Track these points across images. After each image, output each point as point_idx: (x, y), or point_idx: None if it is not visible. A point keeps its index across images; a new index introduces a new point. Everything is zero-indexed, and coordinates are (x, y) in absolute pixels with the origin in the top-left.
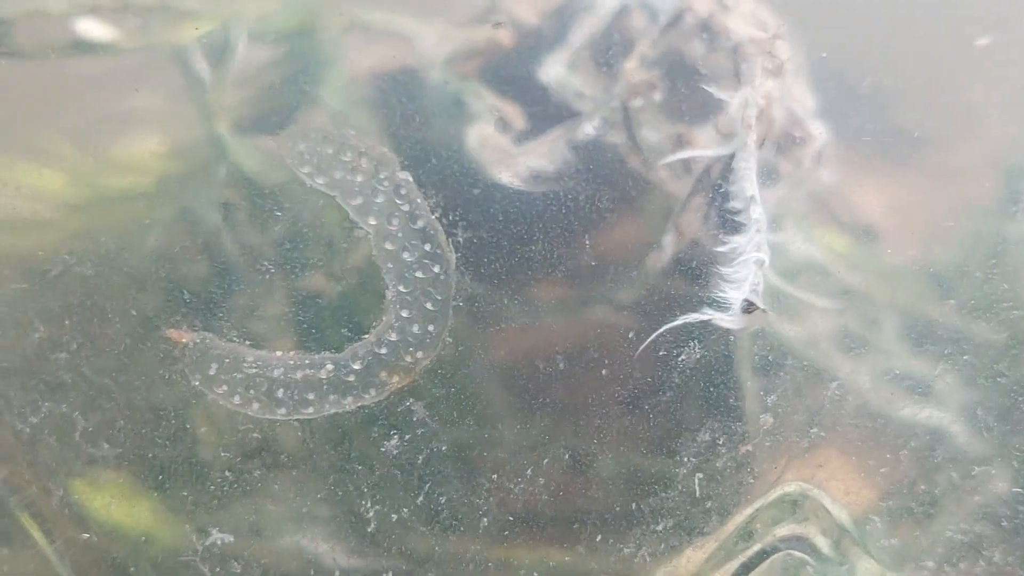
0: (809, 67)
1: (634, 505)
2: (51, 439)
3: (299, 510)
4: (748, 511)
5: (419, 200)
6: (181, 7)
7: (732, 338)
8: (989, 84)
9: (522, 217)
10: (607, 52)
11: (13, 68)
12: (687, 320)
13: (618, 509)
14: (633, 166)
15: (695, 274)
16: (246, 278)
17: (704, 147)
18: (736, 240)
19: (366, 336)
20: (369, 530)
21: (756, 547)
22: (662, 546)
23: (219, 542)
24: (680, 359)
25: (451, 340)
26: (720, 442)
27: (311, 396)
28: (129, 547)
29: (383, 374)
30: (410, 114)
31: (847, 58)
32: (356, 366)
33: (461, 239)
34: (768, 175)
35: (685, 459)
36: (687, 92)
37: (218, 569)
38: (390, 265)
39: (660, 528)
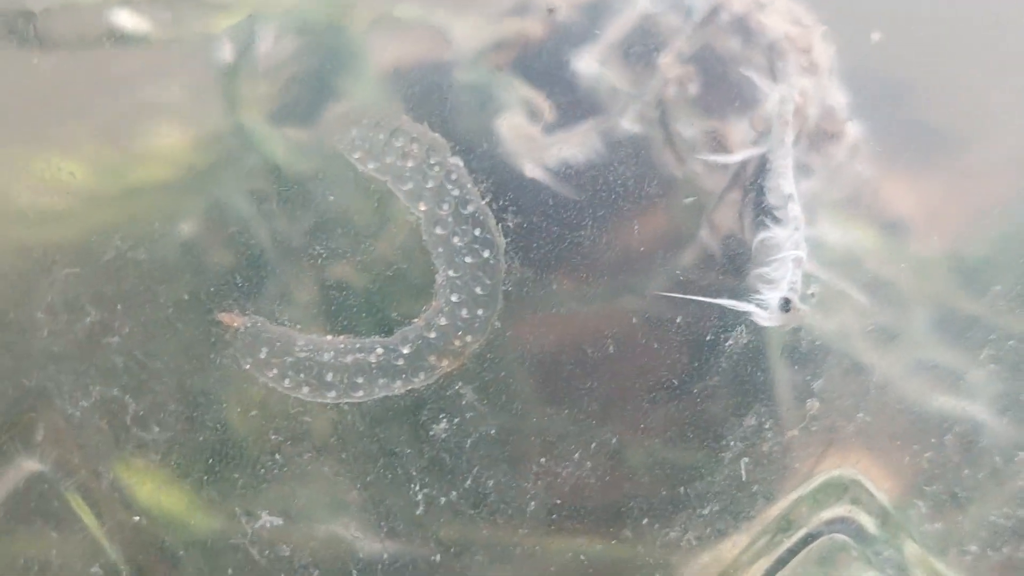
0: (841, 63)
1: (681, 489)
2: (102, 423)
3: (348, 493)
4: (794, 495)
5: (469, 185)
6: (212, 0)
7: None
8: (1016, 83)
9: (571, 202)
10: (641, 47)
11: (42, 61)
12: (728, 304)
13: (664, 493)
14: (667, 160)
15: (730, 269)
16: (276, 266)
17: (738, 142)
18: (774, 237)
19: (416, 320)
20: (417, 513)
21: (802, 531)
22: (708, 530)
23: (268, 525)
24: (727, 344)
25: (500, 324)
26: (767, 427)
27: (361, 380)
28: (179, 530)
29: (432, 358)
30: (440, 105)
31: (878, 55)
32: (405, 350)
33: (511, 224)
34: (801, 170)
35: (731, 443)
36: (721, 88)
37: (267, 552)
38: (440, 250)
39: (706, 512)
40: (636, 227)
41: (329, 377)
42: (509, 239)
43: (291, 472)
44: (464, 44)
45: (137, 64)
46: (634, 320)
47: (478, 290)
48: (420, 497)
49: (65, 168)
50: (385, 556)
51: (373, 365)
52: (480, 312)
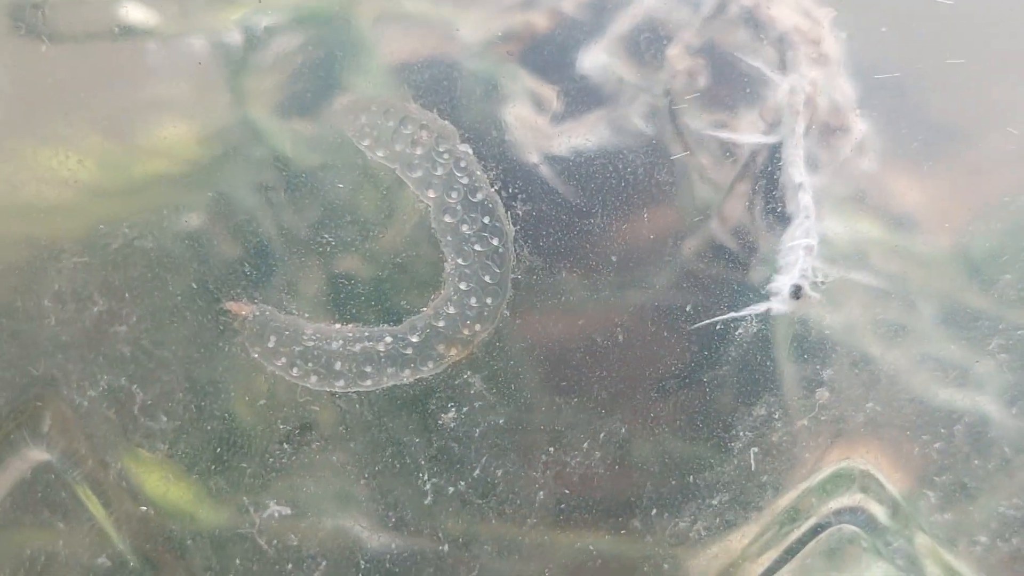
0: (849, 57)
1: (690, 479)
2: (109, 412)
3: (356, 482)
4: (803, 485)
5: (479, 172)
6: None
7: (788, 313)
8: (1022, 77)
9: (581, 190)
10: (649, 40)
11: (50, 52)
12: (745, 313)
13: (673, 483)
14: (675, 152)
15: (739, 259)
16: (284, 256)
17: (746, 135)
18: (786, 231)
19: (424, 309)
20: (426, 503)
21: (811, 521)
22: (717, 520)
23: (276, 515)
24: (737, 333)
25: (509, 313)
26: (776, 416)
27: (369, 369)
28: (186, 520)
29: (441, 347)
30: (447, 95)
31: (885, 50)
32: (414, 339)
33: (520, 212)
34: (809, 163)
35: (741, 433)
36: (730, 80)
37: (275, 542)
38: (449, 238)
39: (715, 502)
40: (646, 216)
41: (337, 366)
42: (518, 227)
43: (299, 462)
44: (471, 36)
45: (144, 57)
46: (643, 309)
47: (487, 278)
48: (428, 487)
49: (72, 160)
50: (393, 546)
51: (382, 354)
52: (489, 301)
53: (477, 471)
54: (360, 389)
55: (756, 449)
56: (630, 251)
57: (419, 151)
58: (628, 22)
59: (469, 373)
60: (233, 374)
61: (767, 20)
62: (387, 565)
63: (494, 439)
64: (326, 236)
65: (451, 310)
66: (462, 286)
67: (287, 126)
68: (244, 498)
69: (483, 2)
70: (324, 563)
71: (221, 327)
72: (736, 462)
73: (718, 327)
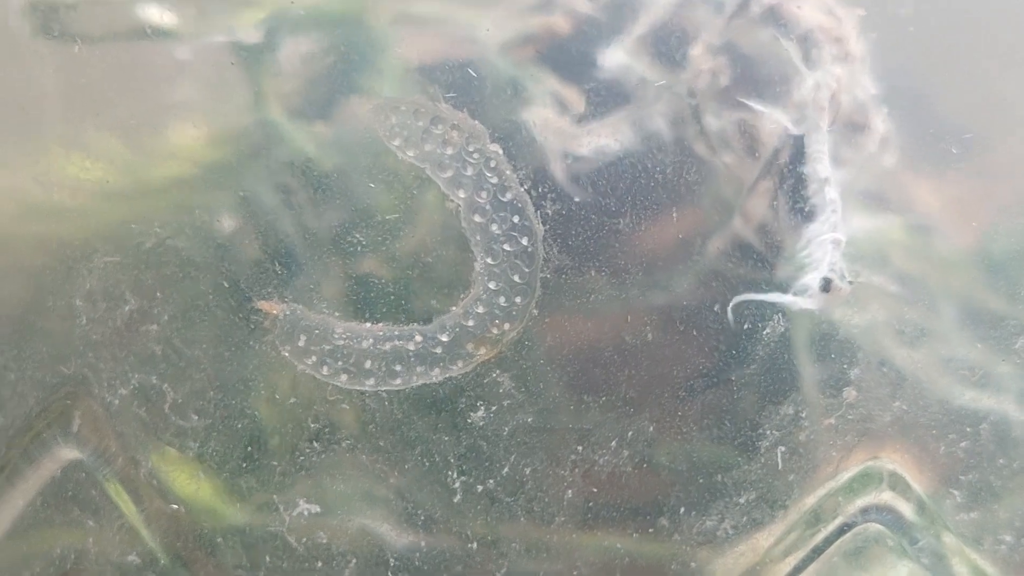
0: (872, 56)
1: (718, 478)
2: (140, 410)
3: (386, 480)
4: (830, 484)
5: (508, 172)
6: None
7: (815, 312)
8: None
9: (610, 190)
10: (670, 39)
11: (72, 55)
12: (766, 298)
13: (701, 481)
14: (698, 151)
15: (760, 257)
16: (313, 256)
17: (769, 133)
18: (811, 226)
19: (453, 308)
20: (455, 501)
21: (837, 520)
22: (744, 519)
23: (306, 512)
24: (765, 332)
25: (538, 312)
26: (803, 415)
27: (399, 368)
28: (216, 518)
29: (470, 346)
30: (468, 98)
31: (910, 51)
32: (444, 338)
33: (549, 211)
34: (832, 160)
35: (768, 432)
36: (752, 79)
37: (304, 539)
38: (478, 237)
39: (743, 501)
40: (674, 215)
41: (367, 365)
42: (547, 226)
43: (328, 460)
44: (490, 38)
45: (165, 59)
46: (671, 308)
47: (516, 278)
48: (457, 485)
49: (97, 162)
50: (422, 544)
51: (411, 353)
52: (518, 300)
53: (506, 469)
54: (390, 388)
55: (783, 448)
56: (658, 250)
57: (449, 151)
58: (650, 22)
59: (498, 372)
60: (263, 373)
61: (791, 18)
62: (416, 563)
63: (523, 438)
64: (352, 237)
65: (480, 309)
66: (491, 285)
67: (307, 128)
68: (274, 496)
69: (502, 4)
70: (353, 561)
71: (252, 326)
72: (763, 461)
73: (745, 326)
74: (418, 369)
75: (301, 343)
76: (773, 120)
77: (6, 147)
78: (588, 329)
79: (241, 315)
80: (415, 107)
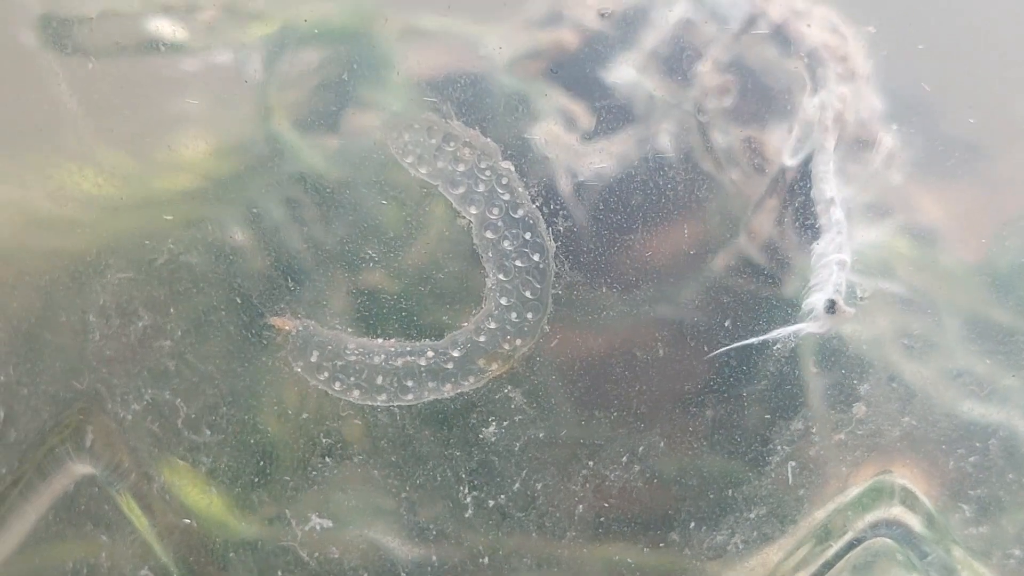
0: (878, 73)
1: (729, 492)
2: (153, 426)
3: (398, 495)
4: (840, 499)
5: (520, 189)
6: (246, 8)
7: (821, 333)
8: None
9: (621, 206)
10: (679, 56)
11: (81, 70)
12: (777, 335)
13: (712, 496)
14: (706, 168)
15: (768, 274)
16: (326, 272)
17: (776, 149)
18: (816, 247)
19: (465, 324)
20: (467, 516)
21: (848, 535)
22: (755, 534)
23: (318, 527)
24: (775, 348)
25: (549, 328)
26: (813, 431)
27: (411, 383)
28: (228, 532)
29: (482, 361)
30: (476, 114)
31: (912, 68)
32: (455, 353)
33: (561, 228)
34: (838, 177)
35: (778, 447)
36: (759, 96)
37: (317, 554)
38: (490, 254)
39: (753, 516)
40: (685, 231)
41: (379, 380)
42: (559, 243)
43: (341, 475)
44: (497, 54)
45: (171, 72)
46: (683, 324)
47: (528, 294)
48: (469, 500)
49: (104, 176)
50: (434, 559)
51: (423, 368)
52: (530, 316)
53: (517, 484)
54: (402, 403)
55: (793, 463)
56: (669, 266)
57: (461, 168)
58: (658, 38)
59: (510, 387)
60: (276, 388)
61: (796, 36)
62: None
63: (534, 453)
64: (362, 252)
65: (492, 325)
66: (503, 301)
67: (315, 141)
68: (286, 510)
69: (510, 19)
70: (365, 575)
71: (264, 341)
72: (773, 476)
73: (756, 342)
74: (430, 385)
75: (313, 359)
76: (780, 139)
77: (18, 161)
78: (599, 345)
79: (253, 331)
80: (428, 124)
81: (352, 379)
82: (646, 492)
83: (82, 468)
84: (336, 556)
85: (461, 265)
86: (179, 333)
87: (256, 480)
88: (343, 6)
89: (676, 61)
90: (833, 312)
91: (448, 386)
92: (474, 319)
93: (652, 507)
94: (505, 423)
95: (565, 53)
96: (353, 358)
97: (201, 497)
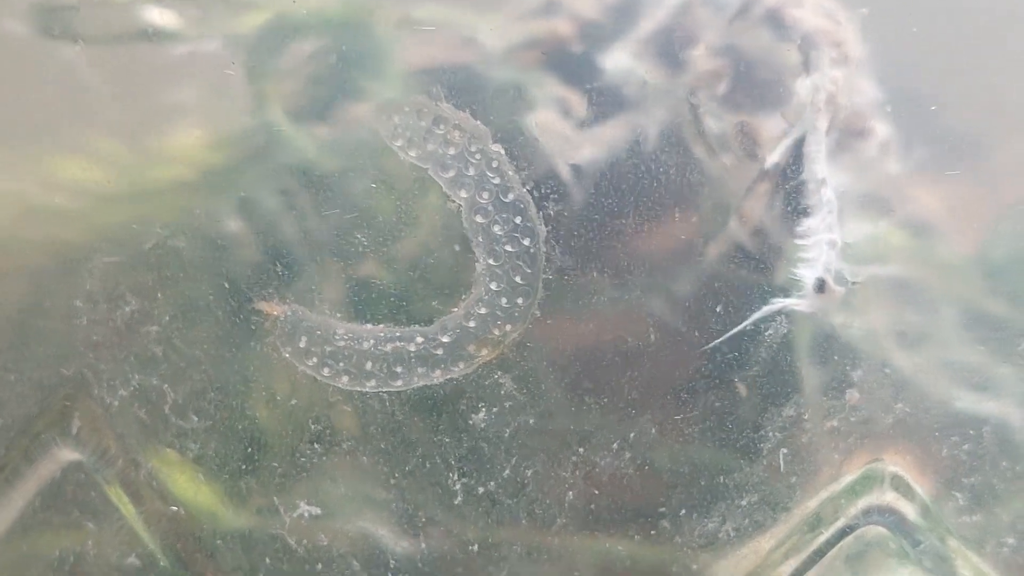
0: (871, 60)
1: (720, 479)
2: (140, 412)
3: (386, 482)
4: (832, 487)
5: (511, 173)
6: None
7: (816, 314)
8: None
9: (612, 191)
10: (672, 42)
11: (73, 57)
12: (765, 312)
13: (703, 484)
14: (698, 153)
15: (759, 259)
16: (309, 261)
17: (767, 135)
18: (807, 222)
19: (455, 309)
20: (456, 502)
21: (839, 522)
22: (746, 521)
23: (306, 514)
24: (767, 334)
25: (540, 313)
26: (805, 417)
27: (400, 369)
28: (216, 520)
29: (472, 347)
30: (469, 101)
31: (906, 56)
32: (445, 339)
33: (552, 212)
34: (830, 164)
35: (770, 434)
36: (753, 81)
37: (305, 541)
38: (480, 238)
39: (744, 503)
40: (677, 216)
41: (368, 366)
42: (550, 227)
43: (329, 461)
44: (493, 41)
45: (165, 61)
46: (674, 310)
47: (518, 279)
48: (458, 487)
49: (95, 164)
50: (423, 546)
51: (412, 354)
52: (520, 301)
53: (507, 471)
54: (391, 389)
55: (785, 450)
56: (660, 251)
57: (451, 151)
58: (651, 24)
59: (499, 373)
60: (264, 374)
61: (791, 21)
62: (417, 564)
63: (524, 439)
64: (352, 239)
65: (482, 310)
66: (493, 286)
67: (308, 130)
68: (274, 498)
69: (504, 8)
70: (354, 563)
71: (252, 327)
72: (765, 463)
73: (748, 328)
74: (419, 370)
75: (302, 344)
76: (773, 124)
77: (11, 151)
78: (590, 330)
79: (242, 316)
80: (418, 107)
81: (341, 365)
82: (637, 479)
83: (68, 455)
84: (325, 543)
85: (454, 252)
86: (167, 318)
87: (244, 467)
88: None
89: (670, 47)
90: (822, 291)
91: (438, 372)
92: (464, 304)
93: (643, 494)
94: (495, 409)
95: (560, 42)
96: (342, 343)
97: (189, 484)
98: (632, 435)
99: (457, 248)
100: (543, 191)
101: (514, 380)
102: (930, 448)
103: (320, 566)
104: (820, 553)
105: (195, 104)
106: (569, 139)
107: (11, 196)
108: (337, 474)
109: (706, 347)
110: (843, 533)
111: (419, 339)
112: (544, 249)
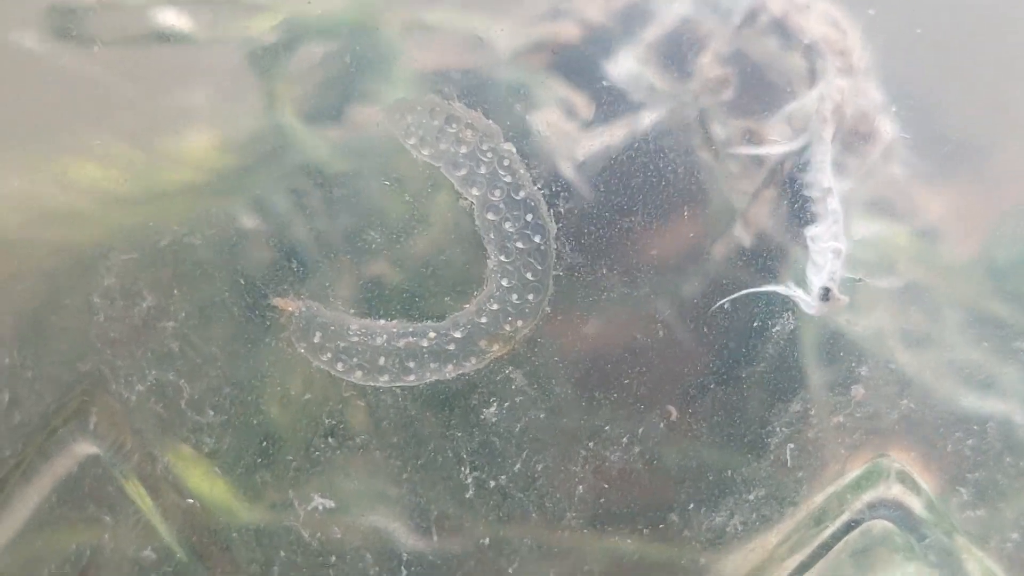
0: (878, 66)
1: (728, 474)
2: (157, 407)
3: (399, 476)
4: (839, 481)
5: (522, 171)
6: (251, 1)
7: (815, 317)
8: None
9: (622, 188)
10: (679, 48)
11: (85, 60)
12: (772, 289)
13: (711, 478)
14: (703, 159)
15: (763, 262)
16: (322, 260)
17: (773, 142)
18: (813, 230)
19: (467, 305)
20: (467, 496)
21: (845, 516)
22: (753, 515)
23: (320, 508)
24: (775, 331)
25: (550, 310)
26: (812, 413)
27: (412, 364)
28: (231, 513)
29: (483, 343)
30: (477, 104)
31: (910, 57)
32: (457, 334)
33: (562, 209)
34: (836, 169)
35: (777, 429)
36: (758, 89)
37: (319, 534)
38: (491, 235)
39: (752, 498)
40: (686, 214)
41: (382, 361)
42: (560, 225)
43: (343, 456)
44: (501, 45)
45: (177, 63)
46: (683, 306)
47: (529, 275)
48: (470, 481)
49: (115, 166)
50: (435, 539)
51: (425, 350)
52: (531, 297)
53: (518, 465)
54: (403, 384)
55: (792, 445)
56: (670, 248)
57: (463, 149)
58: (659, 30)
59: (511, 369)
60: (278, 369)
61: (796, 29)
62: (429, 558)
63: (535, 434)
64: (365, 237)
65: (493, 306)
66: (504, 283)
67: (320, 132)
68: (289, 491)
69: (512, 12)
70: (367, 556)
71: (268, 322)
72: (772, 458)
73: (755, 324)
74: (431, 366)
75: (316, 340)
76: (778, 131)
77: (26, 153)
78: (600, 326)
79: (257, 312)
80: (430, 106)
81: (355, 360)
82: (646, 474)
83: (85, 449)
84: (338, 536)
85: (465, 250)
86: (183, 314)
87: (259, 461)
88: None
89: (677, 53)
90: (827, 300)
91: (450, 367)
92: (476, 300)
93: (652, 489)
94: (506, 404)
95: (567, 46)
96: (356, 339)
97: (204, 478)
98: (641, 430)
99: (468, 246)
100: (554, 189)
101: (525, 375)
102: (935, 444)
103: (334, 558)
104: (826, 547)
105: (208, 106)
106: (578, 139)
107: (27, 197)
108: (351, 468)
109: (719, 304)
110: (849, 528)
111: (431, 335)
112: (555, 246)
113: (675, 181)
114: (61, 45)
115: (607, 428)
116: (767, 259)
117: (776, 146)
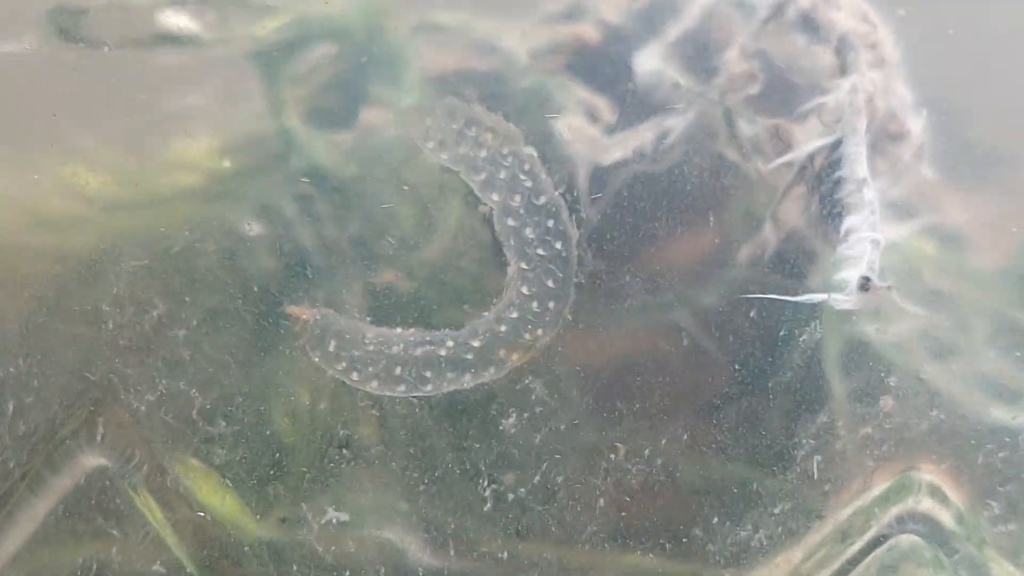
0: (908, 68)
1: (753, 486)
2: (167, 417)
3: (416, 488)
4: (867, 494)
5: (543, 176)
6: (258, 1)
7: (854, 318)
8: None
9: (646, 194)
10: (703, 45)
11: (89, 61)
12: (805, 299)
13: (735, 491)
14: (730, 159)
15: (793, 263)
16: (329, 268)
17: (801, 139)
18: (849, 220)
19: (486, 313)
20: (486, 508)
21: (873, 530)
22: (779, 529)
23: (335, 520)
24: (802, 339)
25: (571, 318)
26: (839, 424)
27: (429, 374)
28: (243, 526)
29: (502, 352)
30: (497, 108)
31: (942, 64)
32: (475, 343)
33: (584, 215)
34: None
35: (804, 441)
36: (787, 84)
37: (332, 548)
38: (511, 241)
39: (777, 511)
40: (711, 220)
41: (398, 371)
42: (582, 231)
43: (358, 467)
44: (518, 48)
45: (185, 67)
46: (707, 314)
47: (550, 283)
48: (488, 492)
49: (119, 171)
50: (452, 553)
51: (442, 359)
52: (551, 305)
53: (537, 477)
54: (421, 394)
55: (819, 457)
56: (693, 255)
57: (483, 154)
58: (683, 27)
59: (530, 378)
60: (292, 378)
61: (825, 23)
62: (445, 572)
63: (555, 445)
64: (378, 245)
65: (513, 315)
66: (524, 290)
67: (327, 136)
68: (302, 504)
69: (529, 13)
70: (382, 570)
71: (281, 331)
72: (798, 470)
73: (781, 333)
74: (449, 375)
75: (331, 348)
76: (807, 127)
77: (26, 158)
78: (622, 335)
79: (270, 320)
80: (449, 109)
81: (370, 369)
82: (668, 486)
83: (94, 460)
84: (352, 550)
85: (478, 261)
86: (194, 322)
87: (272, 472)
88: (350, 2)
89: (702, 49)
90: (867, 290)
91: (468, 376)
92: (495, 308)
93: (675, 502)
94: (526, 415)
95: (586, 46)
96: (371, 348)
97: (216, 490)
98: (664, 441)
99: (484, 252)
100: (575, 194)
101: (545, 385)
102: (965, 456)
103: (348, 572)
104: (854, 562)
105: (214, 109)
106: (600, 142)
107: (27, 204)
108: (365, 480)
109: (747, 295)
110: (877, 542)
111: (449, 343)
112: (576, 253)
113: (700, 185)
114: (64, 48)
115: (629, 439)
116: (795, 264)
117: (808, 144)
